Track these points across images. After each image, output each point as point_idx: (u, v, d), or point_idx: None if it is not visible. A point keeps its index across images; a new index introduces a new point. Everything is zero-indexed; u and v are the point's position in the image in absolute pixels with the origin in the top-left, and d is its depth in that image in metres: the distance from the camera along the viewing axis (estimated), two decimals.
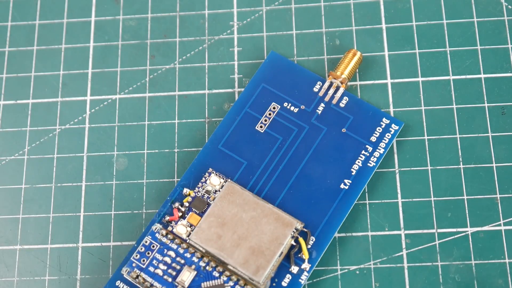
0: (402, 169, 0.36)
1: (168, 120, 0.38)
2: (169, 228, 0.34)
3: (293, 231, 0.33)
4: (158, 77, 0.39)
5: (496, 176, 0.35)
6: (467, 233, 0.35)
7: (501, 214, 0.35)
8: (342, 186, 0.35)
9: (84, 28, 0.40)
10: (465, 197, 0.35)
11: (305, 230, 0.34)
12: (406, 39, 0.39)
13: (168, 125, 0.38)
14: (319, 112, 0.36)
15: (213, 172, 0.35)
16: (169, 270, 0.33)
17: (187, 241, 0.34)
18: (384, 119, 0.36)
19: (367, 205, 0.35)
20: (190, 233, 0.34)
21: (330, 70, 0.38)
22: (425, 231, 0.35)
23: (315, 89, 0.37)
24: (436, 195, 0.35)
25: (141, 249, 0.34)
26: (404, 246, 0.35)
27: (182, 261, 0.33)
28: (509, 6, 0.39)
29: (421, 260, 0.34)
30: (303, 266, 0.33)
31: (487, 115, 0.37)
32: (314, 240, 0.34)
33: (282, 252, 0.33)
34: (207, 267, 0.33)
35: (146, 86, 0.39)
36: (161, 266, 0.33)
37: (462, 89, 0.37)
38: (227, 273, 0.33)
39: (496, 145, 0.36)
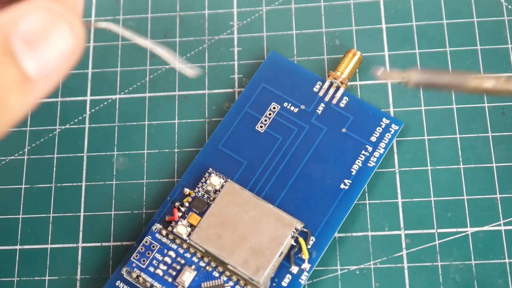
0: (402, 169, 0.36)
1: (168, 120, 0.38)
2: (169, 228, 0.34)
3: (293, 231, 0.33)
4: (158, 77, 0.39)
5: (496, 176, 0.35)
6: (467, 233, 0.35)
7: (501, 214, 0.35)
8: (342, 186, 0.35)
9: (84, 28, 0.40)
10: (465, 197, 0.35)
11: (305, 230, 0.34)
12: (406, 39, 0.39)
13: (168, 125, 0.38)
14: (319, 112, 0.36)
15: (213, 172, 0.35)
16: (169, 270, 0.33)
17: (187, 241, 0.34)
18: (384, 119, 0.36)
19: (367, 205, 0.35)
20: (190, 233, 0.34)
21: (330, 70, 0.38)
22: (425, 231, 0.35)
23: (315, 89, 0.37)
24: (436, 195, 0.35)
25: (141, 249, 0.34)
26: (404, 246, 0.35)
27: (182, 261, 0.33)
28: (509, 6, 0.39)
29: (421, 260, 0.34)
30: (303, 266, 0.33)
31: (487, 115, 0.37)
32: (314, 240, 0.34)
33: (282, 252, 0.33)
34: (207, 267, 0.33)
35: (146, 86, 0.39)
36: (161, 266, 0.33)
37: None
38: (227, 273, 0.33)
39: (496, 145, 0.36)
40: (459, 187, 0.35)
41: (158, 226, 0.34)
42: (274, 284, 0.33)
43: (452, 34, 0.38)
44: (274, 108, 0.37)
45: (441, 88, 0.28)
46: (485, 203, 0.35)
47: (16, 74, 0.22)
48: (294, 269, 0.33)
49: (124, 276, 0.34)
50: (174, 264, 0.33)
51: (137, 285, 0.33)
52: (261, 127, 0.36)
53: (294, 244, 0.34)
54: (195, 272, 0.33)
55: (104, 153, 0.38)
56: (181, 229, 0.34)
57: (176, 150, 0.37)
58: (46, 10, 0.22)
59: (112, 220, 0.36)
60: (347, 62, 0.37)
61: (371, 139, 0.36)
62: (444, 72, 0.28)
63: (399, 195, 0.35)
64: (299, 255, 0.34)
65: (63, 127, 0.39)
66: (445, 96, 0.37)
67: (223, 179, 0.35)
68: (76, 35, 0.23)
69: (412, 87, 0.28)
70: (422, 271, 0.34)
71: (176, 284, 0.33)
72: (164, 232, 0.34)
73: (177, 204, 0.35)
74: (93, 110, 0.39)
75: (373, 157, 0.35)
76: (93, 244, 0.36)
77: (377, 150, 0.35)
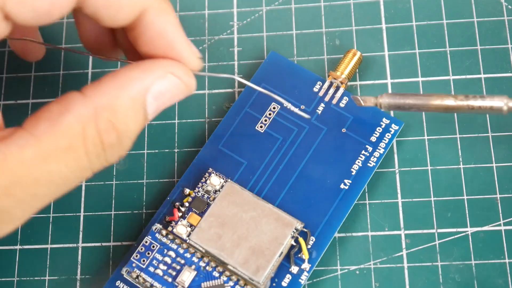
0: (402, 169, 0.36)
1: (168, 120, 0.38)
2: (169, 228, 0.34)
3: (293, 231, 0.33)
4: None
5: (496, 176, 0.35)
6: (467, 233, 0.35)
7: (501, 214, 0.35)
8: (342, 186, 0.35)
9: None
10: (465, 197, 0.35)
11: (305, 230, 0.34)
12: (406, 39, 0.39)
13: (168, 125, 0.38)
14: (319, 112, 0.36)
15: (213, 172, 0.35)
16: (169, 270, 0.33)
17: (187, 241, 0.34)
18: (384, 119, 0.36)
19: (367, 205, 0.35)
20: (190, 233, 0.34)
21: (330, 70, 0.38)
22: (425, 231, 0.35)
23: (315, 89, 0.37)
24: (436, 195, 0.35)
25: (141, 249, 0.34)
26: (404, 246, 0.35)
27: (182, 261, 0.33)
28: (509, 6, 0.39)
29: (421, 260, 0.34)
30: (303, 266, 0.33)
31: (487, 115, 0.37)
32: (314, 240, 0.34)
33: (282, 252, 0.33)
34: (207, 267, 0.33)
35: None
36: (161, 266, 0.33)
37: (462, 89, 0.37)
38: (227, 273, 0.33)
39: (496, 145, 0.36)
40: (459, 187, 0.35)
41: (158, 226, 0.34)
42: (274, 284, 0.33)
43: (452, 34, 0.38)
44: (274, 108, 0.37)
45: (409, 109, 0.33)
46: (485, 203, 0.35)
47: (143, 120, 0.28)
48: (294, 269, 0.33)
49: (124, 276, 0.34)
50: (174, 264, 0.33)
51: (137, 285, 0.33)
52: (261, 127, 0.36)
53: (294, 244, 0.34)
54: (195, 272, 0.33)
55: None
56: (181, 229, 0.34)
57: (176, 150, 0.37)
58: (175, 77, 0.28)
59: (112, 220, 0.36)
60: (347, 62, 0.37)
61: (371, 139, 0.36)
62: (410, 94, 0.33)
63: (399, 195, 0.35)
64: (299, 255, 0.34)
65: None
66: None
67: (223, 179, 0.35)
68: (190, 91, 0.29)
69: (385, 109, 0.34)
70: (422, 271, 0.34)
71: (176, 284, 0.33)
72: (164, 232, 0.34)
73: (177, 204, 0.35)
74: None
75: (373, 157, 0.35)
76: (93, 244, 0.36)
77: (377, 150, 0.35)
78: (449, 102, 0.32)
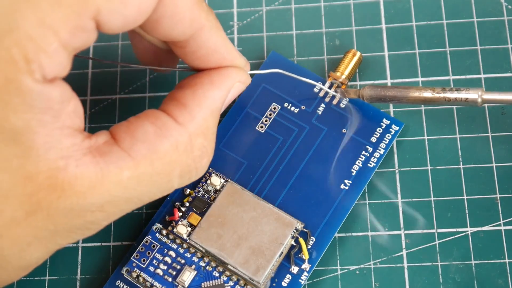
0: (402, 169, 0.36)
1: None
2: (170, 228, 0.34)
3: (293, 231, 0.33)
4: (158, 77, 0.39)
5: (496, 176, 0.35)
6: (467, 233, 0.35)
7: (501, 214, 0.35)
8: (342, 186, 0.35)
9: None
10: (465, 197, 0.35)
11: (305, 230, 0.34)
12: (406, 39, 0.39)
13: None
14: (320, 112, 0.36)
15: (213, 172, 0.35)
16: (169, 270, 0.33)
17: (188, 241, 0.34)
18: (384, 120, 0.36)
19: (367, 205, 0.35)
20: (190, 233, 0.34)
21: (330, 71, 0.38)
22: (425, 231, 0.35)
23: (316, 90, 0.37)
24: (436, 195, 0.35)
25: (141, 249, 0.34)
26: (404, 246, 0.35)
27: (183, 261, 0.33)
28: (509, 6, 0.39)
29: (421, 260, 0.34)
30: (303, 266, 0.33)
31: (487, 115, 0.37)
32: (314, 240, 0.34)
33: (282, 252, 0.33)
34: (207, 267, 0.33)
35: (146, 86, 0.39)
36: (162, 266, 0.33)
37: None
38: (227, 273, 0.33)
39: (496, 145, 0.36)
40: (459, 187, 0.35)
41: (158, 225, 0.34)
42: (274, 284, 0.33)
43: (452, 34, 0.39)
44: (274, 108, 0.37)
45: (390, 100, 0.34)
46: (485, 203, 0.35)
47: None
48: (294, 269, 0.33)
49: (124, 275, 0.34)
50: (174, 264, 0.33)
51: (137, 284, 0.33)
52: (261, 127, 0.36)
53: (294, 244, 0.34)
54: (195, 272, 0.33)
55: None
56: (182, 229, 0.34)
57: None
58: (243, 83, 0.32)
59: None
60: (347, 62, 0.37)
61: (371, 139, 0.36)
62: (391, 87, 0.34)
63: (399, 195, 0.35)
64: (299, 255, 0.34)
65: None
66: None
67: (224, 179, 0.35)
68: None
69: (367, 101, 0.35)
70: (422, 271, 0.34)
71: (176, 284, 0.33)
72: (164, 232, 0.34)
73: (177, 204, 0.35)
74: (93, 110, 0.39)
75: (373, 157, 0.35)
76: (93, 244, 0.36)
77: (377, 150, 0.35)
78: (427, 94, 0.33)
